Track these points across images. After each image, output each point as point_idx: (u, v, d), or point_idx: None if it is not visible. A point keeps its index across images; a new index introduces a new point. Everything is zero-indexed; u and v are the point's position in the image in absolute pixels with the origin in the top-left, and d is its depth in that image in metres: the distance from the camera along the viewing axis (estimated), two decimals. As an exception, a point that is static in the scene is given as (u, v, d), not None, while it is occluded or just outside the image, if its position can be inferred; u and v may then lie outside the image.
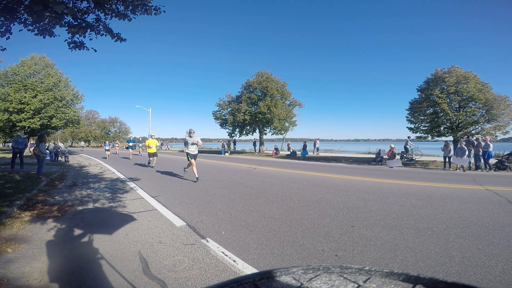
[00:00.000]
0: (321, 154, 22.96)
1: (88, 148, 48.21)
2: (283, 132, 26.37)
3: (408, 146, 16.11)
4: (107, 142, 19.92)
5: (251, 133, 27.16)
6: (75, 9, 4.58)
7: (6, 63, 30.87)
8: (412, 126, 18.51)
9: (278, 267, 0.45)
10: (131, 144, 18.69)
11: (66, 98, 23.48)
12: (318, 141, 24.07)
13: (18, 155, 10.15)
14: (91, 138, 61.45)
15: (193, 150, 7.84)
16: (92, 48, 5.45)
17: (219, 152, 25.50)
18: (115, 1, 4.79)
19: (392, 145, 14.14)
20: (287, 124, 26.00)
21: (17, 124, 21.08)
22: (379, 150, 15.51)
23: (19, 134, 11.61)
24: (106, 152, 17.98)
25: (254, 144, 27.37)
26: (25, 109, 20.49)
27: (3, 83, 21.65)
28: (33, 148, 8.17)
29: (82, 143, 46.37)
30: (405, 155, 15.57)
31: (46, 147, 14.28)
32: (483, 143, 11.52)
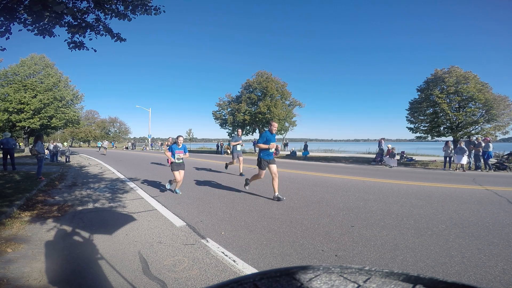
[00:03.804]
0: (321, 154, 22.94)
1: (112, 150, 35.22)
2: (283, 132, 26.39)
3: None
4: (180, 139, 6.00)
5: (251, 133, 27.20)
6: (75, 9, 4.58)
7: (6, 63, 30.92)
8: (412, 126, 18.53)
9: (278, 267, 0.45)
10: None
11: (66, 98, 23.49)
12: (384, 141, 16.92)
13: (8, 155, 9.89)
14: (91, 138, 61.38)
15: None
16: (92, 48, 5.46)
17: (218, 152, 25.55)
18: (115, 1, 4.79)
19: (390, 145, 14.47)
20: (287, 124, 26.03)
21: (17, 124, 21.09)
22: (379, 150, 15.58)
23: (6, 133, 10.60)
24: (175, 174, 5.82)
25: (254, 144, 27.41)
26: (25, 109, 20.50)
27: (3, 83, 21.65)
28: (31, 148, 8.14)
29: (106, 143, 26.74)
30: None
31: (46, 147, 14.29)
32: (483, 143, 11.53)
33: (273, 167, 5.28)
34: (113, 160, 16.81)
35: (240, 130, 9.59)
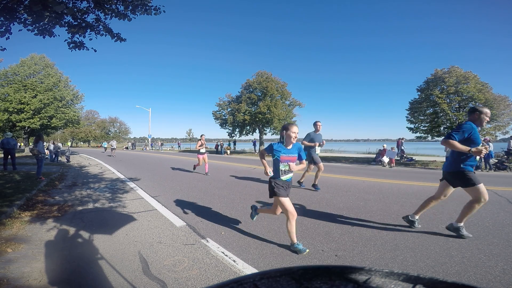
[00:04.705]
0: (321, 154, 22.92)
1: (132, 152, 29.60)
2: (283, 132, 26.37)
3: None
4: (294, 130, 2.90)
5: (251, 133, 27.23)
6: (75, 9, 4.58)
7: (6, 63, 30.85)
8: (412, 126, 18.54)
9: (278, 267, 0.45)
10: None
11: (66, 98, 23.51)
12: (403, 141, 16.66)
13: (9, 155, 9.90)
14: (91, 138, 61.36)
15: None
16: (92, 48, 5.46)
17: (218, 152, 25.58)
18: (115, 1, 4.79)
19: (385, 145, 14.78)
20: (287, 124, 25.99)
21: (17, 124, 21.10)
22: (379, 150, 15.65)
23: (8, 133, 10.63)
24: (285, 203, 2.94)
25: (254, 144, 27.42)
26: (25, 109, 20.51)
27: (3, 83, 21.66)
28: (31, 148, 8.14)
29: (114, 143, 22.35)
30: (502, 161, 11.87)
31: (46, 147, 14.29)
32: (485, 144, 11.54)
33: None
34: (113, 160, 16.82)
35: (319, 124, 6.17)
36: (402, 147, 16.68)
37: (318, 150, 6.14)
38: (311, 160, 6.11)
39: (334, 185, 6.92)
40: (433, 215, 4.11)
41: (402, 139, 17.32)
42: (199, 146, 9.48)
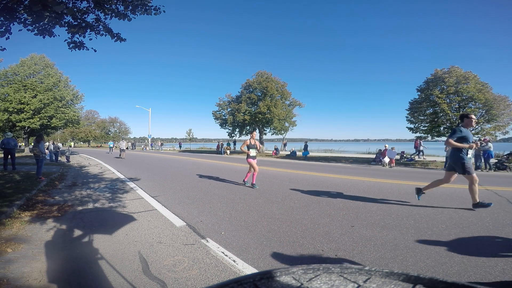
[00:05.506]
0: (321, 154, 22.94)
1: (132, 152, 27.91)
2: (283, 132, 26.42)
3: None
4: None
5: (251, 133, 27.23)
6: (75, 9, 4.58)
7: (6, 63, 30.78)
8: (412, 126, 18.55)
9: (278, 267, 0.45)
10: None
11: (66, 98, 23.50)
12: (421, 142, 16.07)
13: (9, 155, 9.89)
14: (91, 138, 61.34)
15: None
16: (92, 48, 5.46)
17: (218, 152, 25.59)
18: (115, 1, 4.79)
19: (387, 145, 14.76)
20: (287, 124, 26.05)
21: (17, 124, 21.10)
22: (379, 150, 15.68)
23: (8, 133, 10.58)
24: None
25: (254, 144, 27.41)
26: (25, 109, 20.51)
27: (3, 83, 21.65)
28: (32, 148, 8.14)
29: (123, 143, 19.71)
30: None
31: (46, 147, 14.30)
32: (484, 144, 11.54)
33: None
34: (113, 160, 16.82)
35: (474, 118, 4.45)
36: (421, 148, 15.74)
37: (470, 153, 4.39)
38: (452, 167, 4.44)
39: (334, 185, 6.92)
40: (433, 215, 4.11)
41: (421, 138, 16.37)
42: (247, 149, 6.73)
